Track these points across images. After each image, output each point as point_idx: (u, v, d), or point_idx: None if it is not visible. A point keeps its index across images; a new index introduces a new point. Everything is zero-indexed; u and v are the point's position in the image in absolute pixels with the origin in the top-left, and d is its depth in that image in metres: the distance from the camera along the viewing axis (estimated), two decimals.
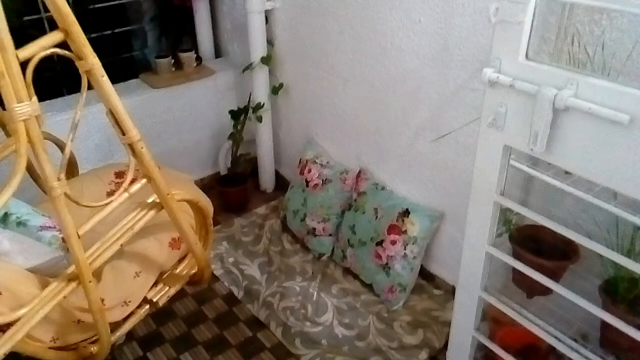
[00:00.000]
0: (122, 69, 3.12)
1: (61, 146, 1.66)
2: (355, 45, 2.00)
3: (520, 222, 1.41)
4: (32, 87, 1.00)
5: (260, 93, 2.44)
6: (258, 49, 2.34)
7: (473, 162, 1.26)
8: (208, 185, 2.66)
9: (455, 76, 1.68)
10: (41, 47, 1.00)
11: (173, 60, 2.51)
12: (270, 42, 2.39)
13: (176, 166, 2.60)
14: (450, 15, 1.62)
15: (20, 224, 1.23)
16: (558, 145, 1.05)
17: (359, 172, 2.14)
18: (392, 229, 1.93)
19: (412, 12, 1.73)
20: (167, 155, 2.55)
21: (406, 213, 1.91)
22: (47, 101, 2.26)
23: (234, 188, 2.55)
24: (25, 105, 0.97)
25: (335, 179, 2.20)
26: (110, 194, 1.67)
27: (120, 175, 1.75)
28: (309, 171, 2.27)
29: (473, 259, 1.35)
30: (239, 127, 2.45)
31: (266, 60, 2.35)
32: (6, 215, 1.17)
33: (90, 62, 1.06)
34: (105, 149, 2.34)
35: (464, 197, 1.64)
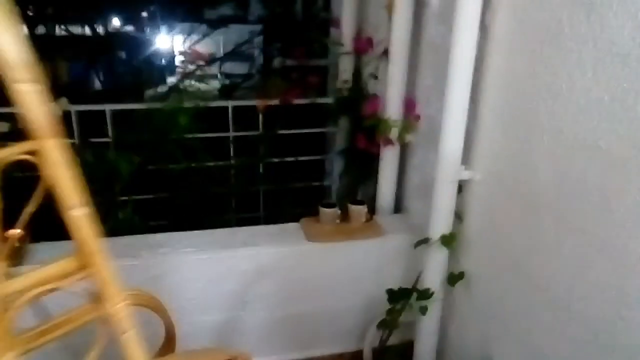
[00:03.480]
0: (305, 194, 2.99)
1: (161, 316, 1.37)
2: (575, 260, 1.33)
3: None
4: None
5: (433, 277, 1.87)
6: (441, 224, 1.81)
7: None
8: None
9: None
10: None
11: (340, 212, 2.14)
12: (458, 216, 1.85)
13: (316, 332, 2.17)
14: None
15: None
16: None
17: None
18: None
19: None
20: (309, 317, 2.13)
21: None
22: None
23: None
24: None
25: None
26: None
27: None
28: None
29: None
30: (394, 314, 1.90)
31: (448, 240, 1.79)
32: None
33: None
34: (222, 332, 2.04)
35: None
